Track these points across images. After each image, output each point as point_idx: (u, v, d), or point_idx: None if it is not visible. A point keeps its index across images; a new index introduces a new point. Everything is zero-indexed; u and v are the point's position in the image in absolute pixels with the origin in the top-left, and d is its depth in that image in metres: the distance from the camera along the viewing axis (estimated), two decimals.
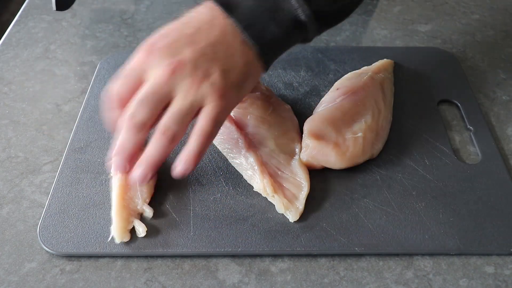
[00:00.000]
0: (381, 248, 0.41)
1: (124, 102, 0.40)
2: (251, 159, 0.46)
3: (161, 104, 0.39)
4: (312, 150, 0.46)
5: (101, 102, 0.54)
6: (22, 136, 0.52)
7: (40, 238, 0.42)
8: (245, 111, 0.50)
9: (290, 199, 0.44)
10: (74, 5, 0.71)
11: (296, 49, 0.62)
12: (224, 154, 0.49)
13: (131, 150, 0.40)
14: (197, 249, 0.41)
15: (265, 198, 0.45)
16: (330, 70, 0.59)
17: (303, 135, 0.48)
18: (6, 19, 1.70)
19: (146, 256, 0.41)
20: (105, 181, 0.46)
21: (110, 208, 0.43)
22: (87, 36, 0.66)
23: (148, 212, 0.43)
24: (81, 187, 0.46)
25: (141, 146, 0.40)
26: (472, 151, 0.50)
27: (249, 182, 0.46)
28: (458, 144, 0.51)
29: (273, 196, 0.43)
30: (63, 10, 0.64)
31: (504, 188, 0.46)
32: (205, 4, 0.41)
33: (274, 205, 0.44)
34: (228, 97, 0.40)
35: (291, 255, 0.41)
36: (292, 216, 0.43)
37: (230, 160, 0.48)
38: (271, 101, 0.51)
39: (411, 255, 0.41)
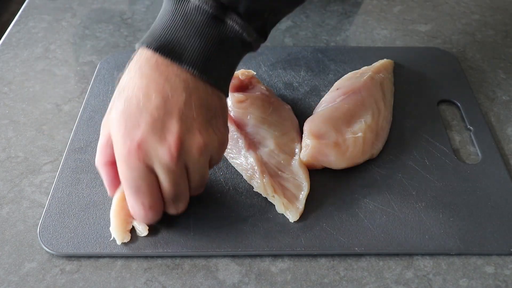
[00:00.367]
0: (381, 248, 0.41)
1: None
2: (251, 159, 0.46)
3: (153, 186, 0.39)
4: (312, 150, 0.46)
5: (101, 102, 0.54)
6: (22, 136, 0.52)
7: (40, 238, 0.42)
8: (245, 111, 0.50)
9: (290, 199, 0.44)
10: (74, 5, 0.71)
11: (296, 49, 0.62)
12: (224, 154, 0.48)
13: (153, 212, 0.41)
14: (197, 249, 0.41)
15: (265, 198, 0.45)
16: (330, 70, 0.59)
17: (303, 135, 0.48)
18: (6, 19, 1.70)
19: (146, 256, 0.41)
20: None
21: (110, 209, 0.43)
22: (87, 36, 0.66)
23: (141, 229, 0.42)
24: (81, 187, 0.46)
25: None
26: (472, 151, 0.50)
27: (249, 182, 0.46)
28: (458, 144, 0.51)
29: (273, 196, 0.43)
30: None
31: (504, 188, 0.46)
32: (142, 56, 0.38)
33: (274, 205, 0.44)
34: (205, 135, 0.38)
35: (291, 255, 0.41)
36: (292, 216, 0.43)
37: (230, 160, 0.48)
38: (271, 101, 0.51)
39: (411, 255, 0.41)
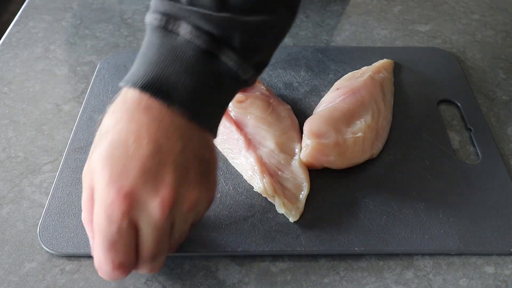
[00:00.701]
0: (381, 248, 0.41)
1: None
2: (251, 159, 0.46)
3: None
4: (312, 150, 0.46)
5: (101, 102, 0.54)
6: (22, 136, 0.52)
7: (40, 238, 0.42)
8: (245, 111, 0.50)
9: (290, 199, 0.44)
10: (74, 5, 0.71)
11: (296, 49, 0.62)
12: (224, 154, 0.49)
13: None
14: (197, 249, 0.41)
15: (265, 198, 0.45)
16: (330, 70, 0.59)
17: (303, 135, 0.48)
18: (6, 19, 1.70)
19: None
20: None
21: None
22: (87, 36, 0.66)
23: None
24: (81, 187, 0.45)
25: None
26: (472, 151, 0.50)
27: (249, 182, 0.46)
28: (458, 144, 0.51)
29: (273, 196, 0.43)
30: None
31: (504, 188, 0.46)
32: (128, 96, 0.34)
33: (274, 205, 0.44)
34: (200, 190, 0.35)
35: (291, 255, 0.41)
36: (292, 216, 0.43)
37: (230, 160, 0.48)
38: (271, 101, 0.51)
39: (411, 255, 0.41)
